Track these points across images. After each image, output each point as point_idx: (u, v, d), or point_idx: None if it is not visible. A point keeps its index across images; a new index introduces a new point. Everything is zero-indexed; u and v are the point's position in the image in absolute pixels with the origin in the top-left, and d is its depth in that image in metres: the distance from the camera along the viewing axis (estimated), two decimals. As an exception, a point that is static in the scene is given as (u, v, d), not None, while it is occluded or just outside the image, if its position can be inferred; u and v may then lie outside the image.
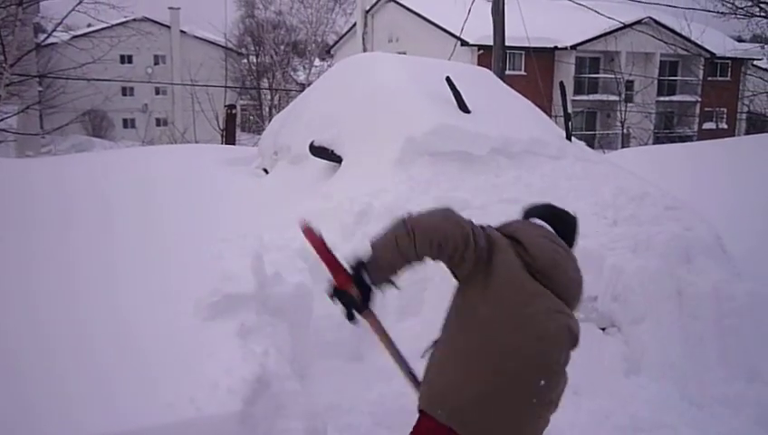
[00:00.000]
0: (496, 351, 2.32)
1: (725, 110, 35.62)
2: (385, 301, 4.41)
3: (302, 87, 39.33)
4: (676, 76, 35.88)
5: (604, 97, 33.49)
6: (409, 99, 5.47)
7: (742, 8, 18.24)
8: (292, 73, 40.11)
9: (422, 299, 4.25)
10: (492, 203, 4.70)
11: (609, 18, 19.02)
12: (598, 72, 34.14)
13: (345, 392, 3.94)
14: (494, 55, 15.88)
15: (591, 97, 33.31)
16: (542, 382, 2.31)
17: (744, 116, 35.08)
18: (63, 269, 4.01)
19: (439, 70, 6.40)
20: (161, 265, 4.19)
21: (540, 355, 2.32)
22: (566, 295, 2.43)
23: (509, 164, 5.20)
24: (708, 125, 34.54)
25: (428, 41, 30.27)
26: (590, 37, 31.99)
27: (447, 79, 5.36)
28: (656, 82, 33.84)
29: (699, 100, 35.07)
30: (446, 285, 4.15)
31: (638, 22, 31.57)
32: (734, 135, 34.09)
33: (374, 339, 2.74)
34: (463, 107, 5.36)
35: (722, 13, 18.77)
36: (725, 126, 34.97)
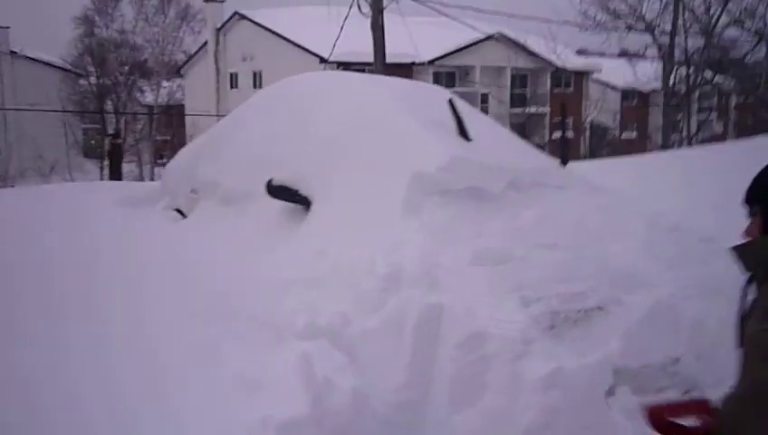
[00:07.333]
0: None
1: (571, 120, 37.54)
2: (433, 385, 3.51)
3: (150, 109, 36.87)
4: (526, 88, 37.51)
5: (462, 110, 34.22)
6: (402, 126, 4.52)
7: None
8: (138, 95, 37.37)
9: (483, 382, 3.31)
10: (530, 250, 3.88)
11: (472, 27, 19.44)
12: (454, 86, 34.81)
13: None
14: (376, 72, 16.31)
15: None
16: None
17: (588, 125, 37.47)
18: None
19: (399, 89, 5.58)
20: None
21: None
22: None
23: (519, 199, 4.41)
24: (558, 135, 36.24)
25: (285, 58, 29.43)
26: (447, 52, 32.54)
27: (450, 101, 4.49)
28: (508, 94, 35.35)
29: (549, 111, 36.85)
30: (519, 363, 3.30)
31: (490, 37, 32.74)
32: (579, 144, 36.40)
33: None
34: (464, 134, 4.51)
35: (586, 27, 19.56)
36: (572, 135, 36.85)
